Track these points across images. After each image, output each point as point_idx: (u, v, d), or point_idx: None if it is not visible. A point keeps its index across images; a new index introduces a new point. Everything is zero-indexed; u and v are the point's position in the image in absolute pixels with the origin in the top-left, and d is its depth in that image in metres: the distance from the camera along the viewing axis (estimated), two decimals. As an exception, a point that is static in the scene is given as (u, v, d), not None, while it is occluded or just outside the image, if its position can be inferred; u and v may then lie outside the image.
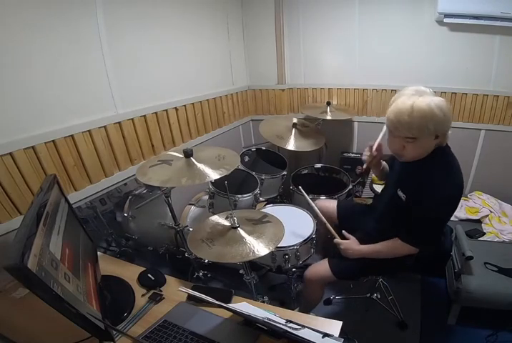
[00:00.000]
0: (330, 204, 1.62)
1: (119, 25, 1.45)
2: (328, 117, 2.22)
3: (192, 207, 1.86)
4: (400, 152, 1.13)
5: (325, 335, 0.78)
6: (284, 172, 1.99)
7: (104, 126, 1.44)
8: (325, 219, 1.42)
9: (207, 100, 2.13)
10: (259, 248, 1.09)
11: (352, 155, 2.48)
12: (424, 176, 1.12)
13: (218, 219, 1.29)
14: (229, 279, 1.74)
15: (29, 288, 0.60)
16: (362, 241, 1.32)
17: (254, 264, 1.47)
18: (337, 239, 1.34)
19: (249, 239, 1.13)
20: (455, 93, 2.21)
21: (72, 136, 1.30)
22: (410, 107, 1.01)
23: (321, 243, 1.63)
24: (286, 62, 2.52)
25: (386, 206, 1.33)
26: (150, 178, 1.19)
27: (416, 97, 1.03)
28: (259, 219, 1.28)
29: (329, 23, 2.33)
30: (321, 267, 1.39)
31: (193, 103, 1.99)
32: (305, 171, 2.15)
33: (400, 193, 1.21)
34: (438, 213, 1.13)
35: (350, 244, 1.31)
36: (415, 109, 1.00)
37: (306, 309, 1.52)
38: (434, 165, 1.12)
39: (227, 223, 1.24)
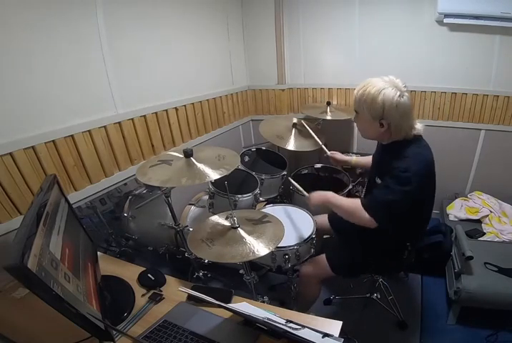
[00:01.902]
0: (322, 220, 1.64)
1: (119, 25, 1.45)
2: (328, 117, 2.22)
3: (192, 207, 1.86)
4: (355, 121, 1.27)
5: (325, 335, 0.78)
6: (284, 172, 1.99)
7: (104, 126, 1.44)
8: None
9: (207, 100, 2.13)
10: (259, 248, 1.09)
11: (352, 155, 2.48)
12: (392, 160, 1.16)
13: (218, 219, 1.29)
14: (229, 279, 1.74)
15: (29, 288, 0.60)
16: (348, 234, 1.39)
17: (254, 264, 1.47)
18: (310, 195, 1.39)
19: (249, 239, 1.13)
20: (455, 93, 2.21)
21: (72, 136, 1.30)
22: (364, 84, 1.15)
23: (318, 240, 1.63)
24: (286, 62, 2.52)
25: (366, 194, 1.38)
26: (150, 178, 1.19)
27: (378, 81, 1.13)
28: (259, 219, 1.28)
29: (329, 23, 2.33)
30: (318, 262, 1.40)
31: (193, 103, 2.00)
32: (305, 171, 2.15)
33: (377, 180, 1.25)
34: (389, 189, 1.13)
35: (317, 192, 1.36)
36: (363, 87, 1.14)
37: (303, 307, 1.52)
38: (401, 151, 1.16)
39: (227, 223, 1.24)
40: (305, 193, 1.46)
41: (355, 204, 1.20)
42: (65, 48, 1.24)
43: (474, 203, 2.20)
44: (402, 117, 1.12)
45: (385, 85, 1.11)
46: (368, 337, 1.56)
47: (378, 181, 1.24)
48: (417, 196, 1.13)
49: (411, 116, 1.15)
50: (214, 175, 1.20)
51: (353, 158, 1.70)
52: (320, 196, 1.35)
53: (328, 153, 1.76)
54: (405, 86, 1.13)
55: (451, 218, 2.15)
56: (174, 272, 1.63)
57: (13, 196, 1.11)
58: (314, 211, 1.62)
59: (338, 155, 1.73)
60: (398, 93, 1.10)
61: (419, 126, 1.19)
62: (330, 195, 1.32)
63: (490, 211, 2.09)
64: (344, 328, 0.90)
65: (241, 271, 1.35)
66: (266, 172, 1.93)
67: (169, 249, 1.77)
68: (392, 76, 1.15)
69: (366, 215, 1.15)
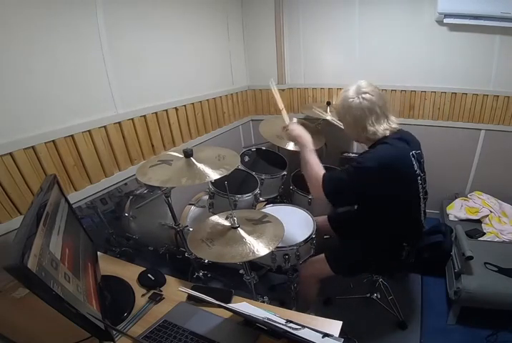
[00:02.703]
0: (323, 221, 1.65)
1: (119, 25, 1.45)
2: (328, 117, 2.21)
3: (192, 207, 1.86)
4: None
5: (325, 335, 0.78)
6: (284, 172, 1.99)
7: (104, 126, 1.44)
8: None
9: (207, 100, 2.13)
10: (259, 248, 1.09)
11: (352, 155, 2.48)
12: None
13: (218, 219, 1.29)
14: (229, 279, 1.74)
15: (29, 288, 0.60)
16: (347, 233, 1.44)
17: (254, 264, 1.47)
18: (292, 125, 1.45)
19: (249, 239, 1.13)
20: (455, 93, 2.21)
21: (72, 136, 1.30)
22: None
23: (318, 240, 1.64)
24: (286, 62, 2.52)
25: None
26: (150, 178, 1.19)
27: (352, 85, 1.24)
28: (259, 219, 1.28)
29: (329, 23, 2.33)
30: (318, 262, 1.41)
31: (193, 103, 1.99)
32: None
33: None
34: (343, 170, 1.23)
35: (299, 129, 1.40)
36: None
37: (303, 307, 1.53)
38: (366, 151, 1.29)
39: (227, 223, 1.24)
40: (287, 119, 1.52)
41: (319, 171, 1.26)
42: (65, 48, 1.24)
43: (474, 203, 2.20)
44: (355, 120, 1.21)
45: (350, 88, 1.22)
46: (368, 337, 1.56)
47: None
48: (363, 187, 1.18)
49: (364, 118, 1.19)
50: (214, 175, 1.20)
51: None
52: (298, 135, 1.37)
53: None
54: (368, 91, 1.18)
55: (451, 218, 2.15)
56: (174, 272, 1.63)
57: (13, 196, 1.11)
58: (315, 211, 1.63)
59: None
60: (350, 95, 1.19)
61: (381, 128, 1.20)
62: (306, 141, 1.34)
63: (490, 211, 2.09)
64: (344, 328, 0.90)
65: (241, 271, 1.35)
66: (266, 172, 1.93)
67: (169, 249, 1.77)
68: (364, 80, 1.23)
69: (320, 183, 1.22)
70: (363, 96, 1.17)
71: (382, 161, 1.15)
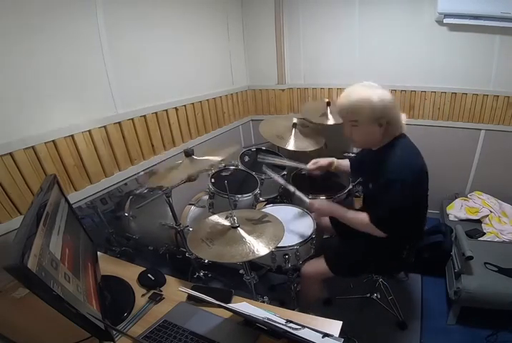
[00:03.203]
0: (324, 218, 1.65)
1: (119, 25, 1.45)
2: (329, 117, 2.19)
3: (192, 207, 1.86)
4: (350, 137, 1.23)
5: (325, 335, 0.78)
6: (284, 172, 1.99)
7: (104, 126, 1.44)
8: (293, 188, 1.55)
9: (207, 100, 2.13)
10: (259, 248, 1.09)
11: (352, 155, 2.48)
12: (382, 163, 1.18)
13: (218, 218, 1.29)
14: (229, 279, 1.74)
15: (29, 288, 0.60)
16: (350, 233, 1.38)
17: (254, 264, 1.47)
18: (311, 200, 1.45)
19: (249, 238, 1.13)
20: (455, 93, 2.21)
21: (72, 136, 1.30)
22: (349, 92, 1.17)
23: (318, 240, 1.64)
24: (286, 62, 2.53)
25: (364, 201, 1.46)
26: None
27: (360, 86, 1.17)
28: (259, 218, 1.28)
29: (329, 23, 2.33)
30: (318, 263, 1.41)
31: (193, 103, 2.00)
32: (305, 171, 2.14)
33: (370, 185, 1.29)
34: (389, 195, 1.15)
35: (322, 201, 1.46)
36: (353, 94, 1.15)
37: (305, 307, 1.53)
38: (390, 153, 1.18)
39: (226, 223, 1.24)
40: (306, 199, 1.49)
41: (362, 219, 1.24)
42: (65, 48, 1.24)
43: (474, 203, 2.20)
44: (396, 112, 1.17)
45: (368, 86, 1.16)
46: (368, 337, 1.56)
47: (371, 186, 1.29)
48: (414, 199, 1.15)
49: (395, 113, 1.18)
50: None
51: (334, 162, 1.60)
52: (324, 208, 1.40)
53: (307, 167, 1.59)
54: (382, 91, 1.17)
55: (451, 218, 2.15)
56: (174, 272, 1.63)
57: (13, 196, 1.11)
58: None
59: (321, 161, 1.58)
60: (386, 91, 1.15)
61: (404, 120, 1.21)
62: (334, 208, 1.37)
63: (490, 211, 2.09)
64: (344, 328, 0.90)
65: (241, 271, 1.35)
66: (266, 172, 1.92)
67: (170, 249, 1.77)
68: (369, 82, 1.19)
69: (374, 228, 1.20)
70: (384, 96, 1.14)
71: (413, 168, 1.14)
